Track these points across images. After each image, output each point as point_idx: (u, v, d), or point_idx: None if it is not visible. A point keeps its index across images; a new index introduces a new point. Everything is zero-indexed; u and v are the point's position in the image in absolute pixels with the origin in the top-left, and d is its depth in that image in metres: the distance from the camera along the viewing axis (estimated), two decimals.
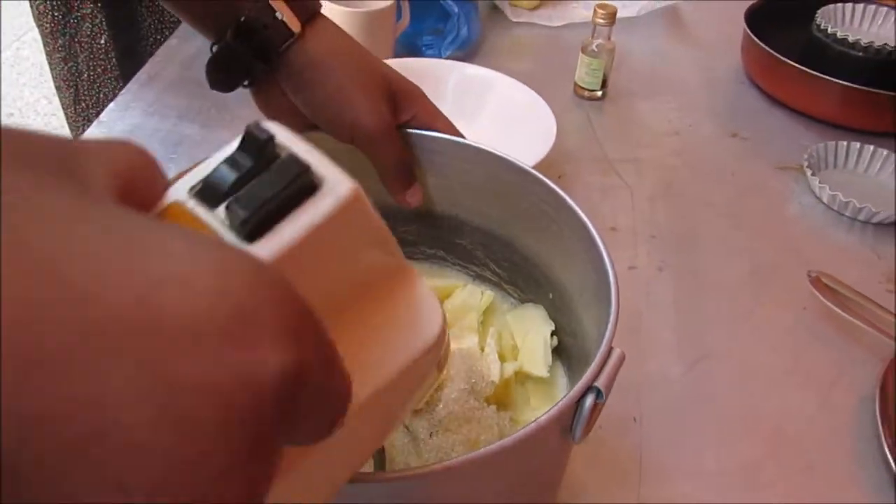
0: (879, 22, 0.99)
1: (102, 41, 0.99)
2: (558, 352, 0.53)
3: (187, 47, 0.96)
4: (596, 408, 0.36)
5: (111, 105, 0.85)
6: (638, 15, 1.10)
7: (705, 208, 0.80)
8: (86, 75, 1.01)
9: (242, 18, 0.51)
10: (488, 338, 0.53)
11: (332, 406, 0.17)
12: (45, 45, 1.02)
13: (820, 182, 0.80)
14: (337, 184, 0.22)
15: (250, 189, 0.20)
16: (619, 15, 0.90)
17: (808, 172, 0.81)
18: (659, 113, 0.94)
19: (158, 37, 1.02)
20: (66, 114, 1.07)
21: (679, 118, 0.93)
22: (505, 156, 0.50)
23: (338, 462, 0.26)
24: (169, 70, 0.92)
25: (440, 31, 0.98)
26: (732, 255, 0.74)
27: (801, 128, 0.92)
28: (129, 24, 1.01)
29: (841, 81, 0.87)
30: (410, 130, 0.53)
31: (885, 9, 0.98)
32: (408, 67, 0.84)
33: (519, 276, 0.56)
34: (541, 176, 0.48)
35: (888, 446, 0.55)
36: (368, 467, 0.42)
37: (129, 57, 1.01)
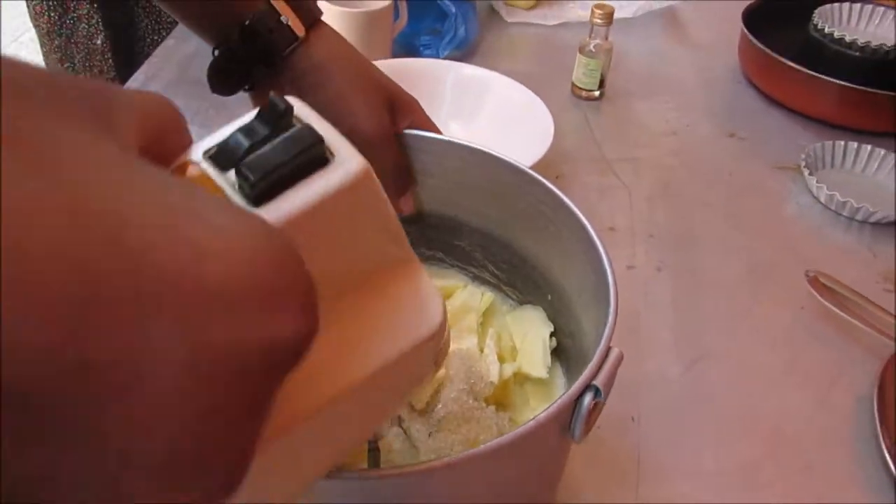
0: (877, 21, 0.99)
1: (99, 42, 0.99)
2: (557, 353, 0.53)
3: (185, 48, 0.96)
4: (595, 407, 0.36)
5: None
6: (635, 16, 1.11)
7: (703, 208, 0.80)
8: (82, 76, 1.01)
9: (247, 22, 0.51)
10: (487, 339, 0.53)
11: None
12: (42, 45, 1.02)
13: (817, 182, 0.80)
14: (349, 159, 0.22)
15: (261, 154, 0.21)
16: (615, 15, 0.90)
17: (806, 172, 0.81)
18: (656, 113, 0.94)
19: (155, 37, 1.02)
20: None
21: (677, 118, 0.93)
22: (502, 156, 0.50)
23: (328, 445, 0.26)
24: (166, 71, 0.92)
25: (438, 31, 0.98)
26: (730, 255, 0.74)
27: (799, 127, 0.92)
28: (125, 24, 1.00)
29: (838, 81, 0.87)
30: (409, 132, 0.53)
31: (882, 8, 0.98)
32: (405, 68, 0.84)
33: (518, 278, 0.56)
34: (538, 176, 0.48)
35: (886, 446, 0.55)
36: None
37: (126, 58, 1.01)
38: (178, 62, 0.93)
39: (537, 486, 0.43)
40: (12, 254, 0.12)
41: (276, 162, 0.20)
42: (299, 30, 0.52)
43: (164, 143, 0.20)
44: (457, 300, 0.56)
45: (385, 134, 0.52)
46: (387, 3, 0.89)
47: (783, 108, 0.95)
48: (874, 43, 0.91)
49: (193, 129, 0.22)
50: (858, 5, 0.99)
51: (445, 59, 0.92)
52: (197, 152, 0.21)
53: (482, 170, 0.51)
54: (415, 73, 0.84)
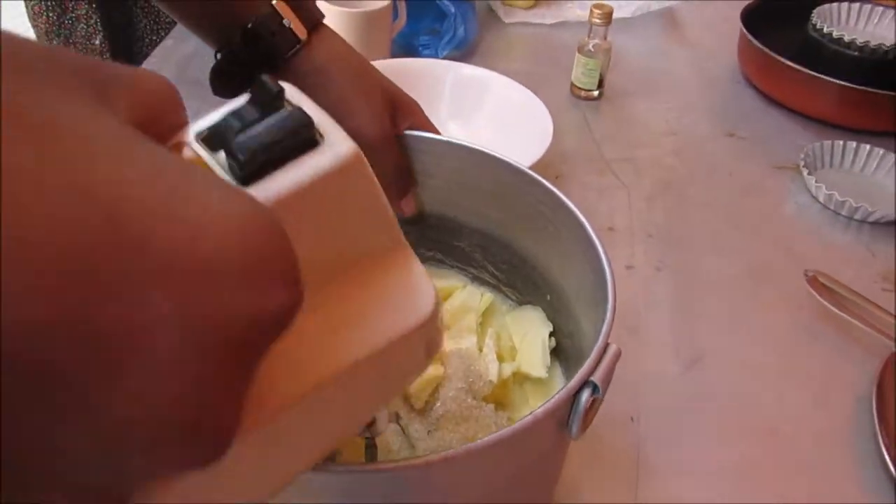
0: (875, 21, 0.99)
1: (97, 42, 0.99)
2: (556, 353, 0.53)
3: (183, 48, 0.96)
4: (593, 403, 0.36)
5: None
6: (633, 16, 1.11)
7: (702, 208, 0.80)
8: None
9: (250, 25, 0.51)
10: (486, 338, 0.53)
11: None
12: None
13: (816, 181, 0.80)
14: (339, 142, 0.22)
15: (251, 134, 0.21)
16: (614, 15, 0.90)
17: (805, 172, 0.81)
18: (656, 113, 0.94)
19: (154, 37, 1.02)
20: None
21: (676, 118, 0.93)
22: (501, 156, 0.50)
23: (316, 433, 0.26)
24: (165, 71, 0.92)
25: (437, 31, 0.98)
26: (729, 255, 0.74)
27: (798, 127, 0.92)
28: (124, 24, 1.00)
29: (837, 81, 0.87)
30: (409, 133, 0.53)
31: (881, 8, 0.98)
32: (404, 68, 0.84)
33: (517, 278, 0.56)
34: (537, 176, 0.48)
35: (885, 445, 0.55)
36: None
37: (125, 58, 1.01)
38: (176, 62, 0.93)
39: (535, 484, 0.43)
40: (14, 229, 0.13)
41: (265, 142, 0.21)
42: (301, 32, 0.52)
43: (160, 120, 0.20)
44: (456, 300, 0.56)
45: (386, 136, 0.52)
46: (386, 3, 0.89)
47: (782, 107, 0.95)
48: (873, 43, 0.91)
49: None
50: (857, 5, 0.99)
51: (444, 59, 0.92)
52: (190, 134, 0.22)
53: (481, 170, 0.51)
54: (414, 74, 0.84)
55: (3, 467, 0.14)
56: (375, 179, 0.24)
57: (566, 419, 0.36)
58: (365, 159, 0.23)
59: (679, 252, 0.74)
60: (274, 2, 0.51)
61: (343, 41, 0.56)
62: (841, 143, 0.85)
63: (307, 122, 0.21)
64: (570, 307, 0.49)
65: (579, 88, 0.94)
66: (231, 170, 0.21)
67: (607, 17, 0.89)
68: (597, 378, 0.35)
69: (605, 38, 0.91)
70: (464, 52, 0.98)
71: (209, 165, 0.21)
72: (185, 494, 0.22)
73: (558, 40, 1.06)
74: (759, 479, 0.55)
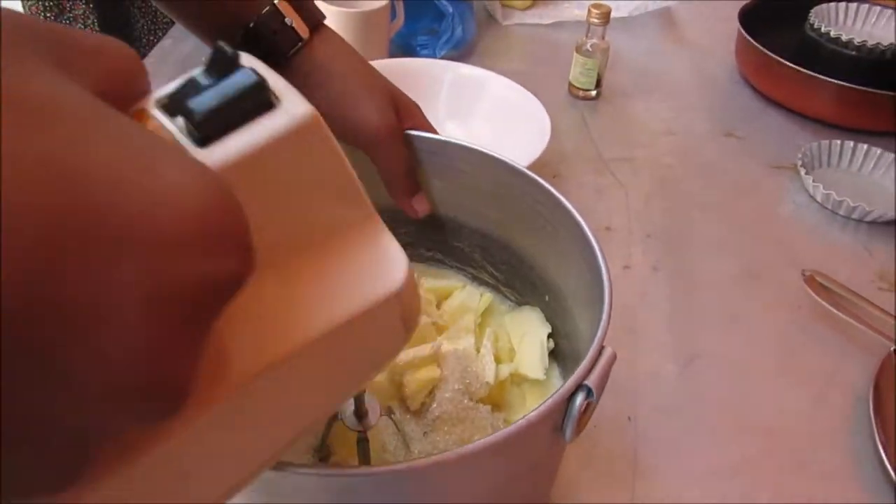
0: (873, 21, 0.99)
1: None
2: (555, 355, 0.53)
3: (182, 48, 0.95)
4: (588, 407, 0.36)
5: None
6: (631, 15, 1.11)
7: (700, 207, 0.80)
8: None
9: (251, 24, 0.51)
10: (484, 339, 0.52)
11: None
12: None
13: (814, 181, 0.80)
14: (295, 105, 0.22)
15: (205, 96, 0.21)
16: (612, 15, 0.90)
17: (802, 171, 0.81)
18: (653, 112, 0.94)
19: (152, 38, 1.02)
20: None
21: (673, 118, 0.94)
22: (499, 156, 0.50)
23: (287, 411, 0.26)
24: (163, 71, 0.92)
25: (435, 31, 0.98)
26: (727, 254, 0.74)
27: (795, 127, 0.93)
28: (121, 25, 1.00)
29: (834, 80, 0.87)
30: (408, 132, 0.53)
31: (879, 8, 0.99)
32: (402, 68, 0.84)
33: (516, 279, 0.56)
34: (535, 176, 0.48)
35: (882, 444, 0.55)
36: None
37: None
38: (175, 62, 0.93)
39: (531, 487, 0.43)
40: None
41: (218, 104, 0.21)
42: (303, 31, 0.52)
43: (123, 89, 0.21)
44: (455, 300, 0.56)
45: (392, 130, 0.51)
46: (383, 2, 0.89)
47: (780, 107, 0.95)
48: (870, 42, 0.91)
49: None
50: (854, 5, 0.99)
51: (442, 59, 0.92)
52: (151, 100, 0.22)
53: (480, 170, 0.51)
54: (412, 73, 0.84)
55: None
56: (337, 145, 0.24)
57: (560, 423, 0.36)
58: (324, 123, 0.23)
59: (676, 252, 0.74)
60: (276, 1, 0.51)
61: (344, 41, 0.56)
62: (838, 142, 0.85)
63: (260, 83, 0.21)
64: (568, 308, 0.49)
65: (577, 88, 0.94)
66: (190, 133, 0.21)
67: (605, 16, 0.89)
68: (591, 382, 0.35)
69: (603, 38, 0.91)
70: (462, 51, 0.98)
71: (168, 131, 0.21)
72: (150, 489, 0.22)
73: (556, 40, 1.06)
74: (756, 478, 0.55)
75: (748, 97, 0.98)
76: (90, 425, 0.17)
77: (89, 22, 0.98)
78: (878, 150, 0.84)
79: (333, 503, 0.34)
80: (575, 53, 0.92)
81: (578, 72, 0.93)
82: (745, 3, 1.01)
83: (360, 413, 0.40)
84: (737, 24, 0.98)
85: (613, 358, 0.37)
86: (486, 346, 0.52)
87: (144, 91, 0.22)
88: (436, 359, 0.49)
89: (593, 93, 0.94)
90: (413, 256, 0.59)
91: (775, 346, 0.66)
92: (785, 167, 0.86)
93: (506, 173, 0.50)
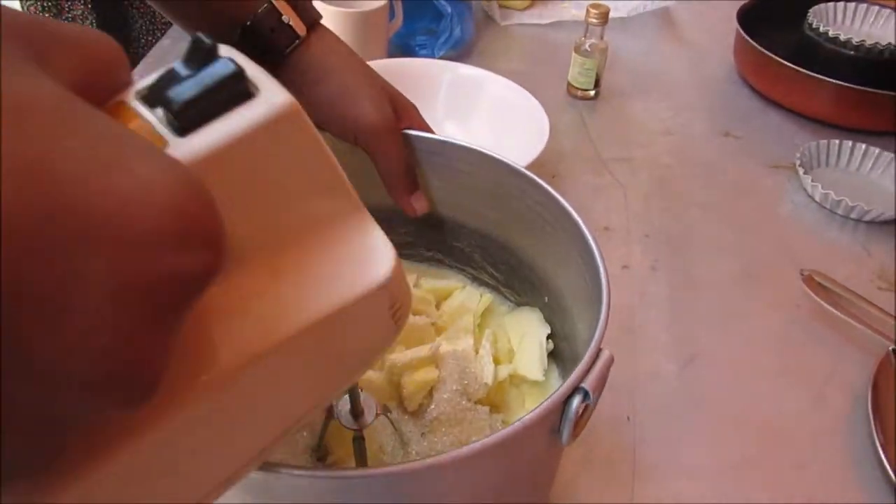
0: (871, 20, 0.99)
1: None
2: (554, 356, 0.53)
3: (180, 48, 0.95)
4: (585, 410, 0.35)
5: None
6: (629, 16, 1.11)
7: (698, 207, 0.80)
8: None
9: (249, 22, 0.51)
10: (483, 340, 0.52)
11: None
12: None
13: (812, 181, 0.80)
14: (273, 95, 0.22)
15: (183, 86, 0.21)
16: (610, 15, 0.90)
17: (801, 171, 0.81)
18: (652, 112, 0.94)
19: (150, 38, 1.02)
20: None
21: (672, 117, 0.94)
22: (498, 156, 0.50)
23: (276, 402, 0.26)
24: None
25: (433, 31, 0.98)
26: (725, 254, 0.74)
27: (794, 126, 0.93)
28: (120, 25, 1.00)
29: (833, 80, 0.87)
30: (407, 132, 0.53)
31: (877, 7, 0.99)
32: (401, 68, 0.84)
33: (515, 279, 0.56)
34: (534, 176, 0.48)
35: (881, 444, 0.55)
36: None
37: None
38: (172, 62, 0.93)
39: (529, 487, 0.43)
40: None
41: (196, 93, 0.21)
42: (301, 29, 0.52)
43: (103, 80, 0.21)
44: (455, 301, 0.56)
45: (390, 126, 0.51)
46: (382, 3, 0.89)
47: (778, 107, 0.95)
48: (868, 42, 0.91)
49: None
50: (853, 4, 0.99)
51: (441, 59, 0.92)
52: (131, 92, 0.22)
53: (478, 170, 0.51)
54: (410, 74, 0.84)
55: None
56: (318, 135, 0.24)
57: (557, 426, 0.36)
58: (304, 113, 0.23)
59: (675, 251, 0.74)
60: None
61: (341, 40, 0.56)
62: (837, 142, 0.85)
63: (237, 72, 0.22)
64: (567, 309, 0.49)
65: (576, 88, 0.94)
66: (169, 124, 0.21)
67: (604, 16, 0.89)
68: (588, 384, 0.35)
69: (602, 38, 0.91)
70: (460, 52, 0.98)
71: (147, 121, 0.21)
72: (136, 482, 0.22)
73: (555, 40, 1.06)
74: (755, 478, 0.55)
75: (747, 97, 0.98)
76: (61, 413, 0.17)
77: (88, 23, 0.97)
78: (877, 150, 0.84)
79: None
80: (573, 53, 0.92)
81: (577, 72, 0.93)
82: (743, 2, 1.01)
83: (356, 411, 0.40)
84: (735, 24, 0.98)
85: (611, 360, 0.37)
86: (484, 346, 0.51)
87: (126, 83, 0.22)
88: (434, 360, 0.49)
89: (592, 93, 0.94)
90: (413, 256, 0.59)
91: (774, 345, 0.66)
92: (783, 167, 0.86)
93: (504, 173, 0.50)
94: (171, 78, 0.22)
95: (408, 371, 0.47)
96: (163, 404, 0.21)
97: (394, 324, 0.28)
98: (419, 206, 0.54)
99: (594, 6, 0.89)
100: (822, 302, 0.66)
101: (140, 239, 0.16)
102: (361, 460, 0.41)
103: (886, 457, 0.54)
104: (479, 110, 0.85)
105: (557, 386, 0.50)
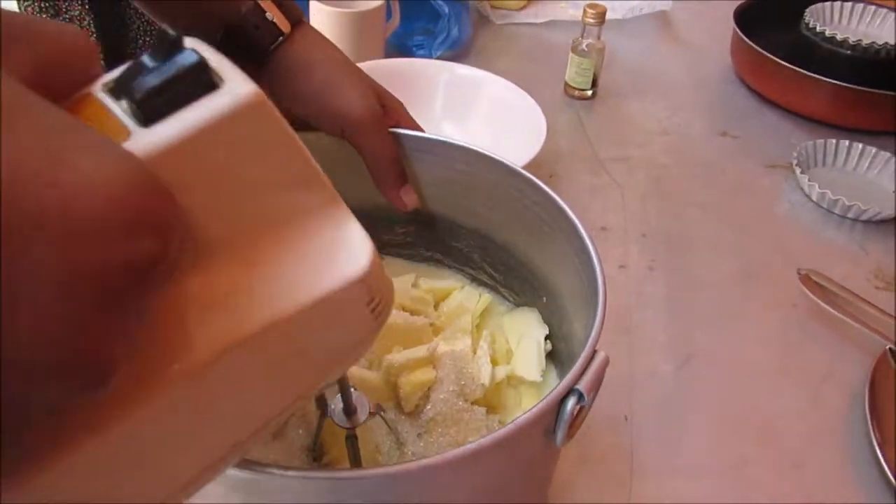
0: (868, 20, 0.99)
1: None
2: (552, 356, 0.53)
3: None
4: (579, 412, 0.35)
5: None
6: (624, 18, 1.11)
7: (695, 207, 0.80)
8: None
9: (233, 19, 0.51)
10: (481, 340, 0.52)
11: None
12: None
13: (809, 180, 0.80)
14: (238, 86, 0.22)
15: (147, 77, 0.21)
16: (606, 16, 0.90)
17: (798, 171, 0.82)
18: (649, 112, 0.94)
19: (147, 38, 1.02)
20: None
21: (669, 117, 0.94)
22: (495, 156, 0.50)
23: (251, 397, 0.25)
24: None
25: (431, 31, 0.98)
26: (722, 254, 0.74)
27: (791, 126, 0.93)
28: (117, 26, 1.00)
29: (829, 80, 0.88)
30: (406, 132, 0.53)
31: (874, 7, 0.99)
32: (398, 68, 0.84)
33: (514, 279, 0.56)
34: (531, 176, 0.48)
35: (878, 443, 0.55)
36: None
37: (118, 59, 1.00)
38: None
39: (526, 488, 0.43)
40: None
41: (158, 83, 0.21)
42: (284, 26, 0.52)
43: (67, 73, 0.21)
44: (453, 301, 0.56)
45: (377, 116, 0.51)
46: (379, 3, 0.89)
47: (775, 106, 0.95)
48: (865, 42, 0.91)
49: None
50: (850, 4, 0.99)
51: (438, 59, 0.92)
52: (98, 84, 0.22)
53: (476, 170, 0.51)
54: (408, 74, 0.84)
55: None
56: (287, 127, 0.24)
57: (553, 426, 0.36)
58: (271, 104, 0.23)
59: (672, 251, 0.74)
60: None
61: (325, 37, 0.56)
62: (834, 141, 0.85)
63: (200, 62, 0.22)
64: (564, 309, 0.49)
65: (573, 88, 0.94)
66: (133, 115, 0.21)
67: (601, 16, 0.89)
68: (582, 386, 0.35)
69: (599, 38, 0.91)
70: (458, 52, 0.98)
71: (112, 113, 0.21)
72: (105, 474, 0.22)
73: (552, 40, 1.06)
74: (752, 477, 0.55)
75: (743, 97, 0.98)
76: (18, 401, 0.17)
77: (85, 23, 0.97)
78: (874, 149, 0.84)
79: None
80: (571, 53, 0.92)
81: (574, 72, 0.93)
82: (740, 2, 1.01)
83: (349, 410, 0.40)
84: (732, 24, 0.98)
85: (606, 362, 0.37)
86: (482, 347, 0.51)
87: (95, 75, 0.22)
88: (431, 360, 0.49)
89: (589, 93, 0.94)
90: (412, 256, 0.59)
91: (771, 344, 0.66)
92: (780, 166, 0.86)
93: (502, 173, 0.50)
94: (137, 69, 0.22)
95: (405, 371, 0.47)
96: (133, 392, 0.21)
97: (373, 319, 0.28)
98: (409, 199, 0.53)
99: (591, 6, 0.89)
100: (820, 301, 0.66)
101: (84, 229, 0.17)
102: (354, 460, 0.41)
103: (884, 456, 0.54)
104: (476, 110, 0.85)
105: (555, 387, 0.50)
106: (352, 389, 0.40)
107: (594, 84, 0.94)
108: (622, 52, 1.04)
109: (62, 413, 0.20)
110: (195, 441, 0.24)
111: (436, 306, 0.56)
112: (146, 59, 0.22)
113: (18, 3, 0.99)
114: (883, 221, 0.78)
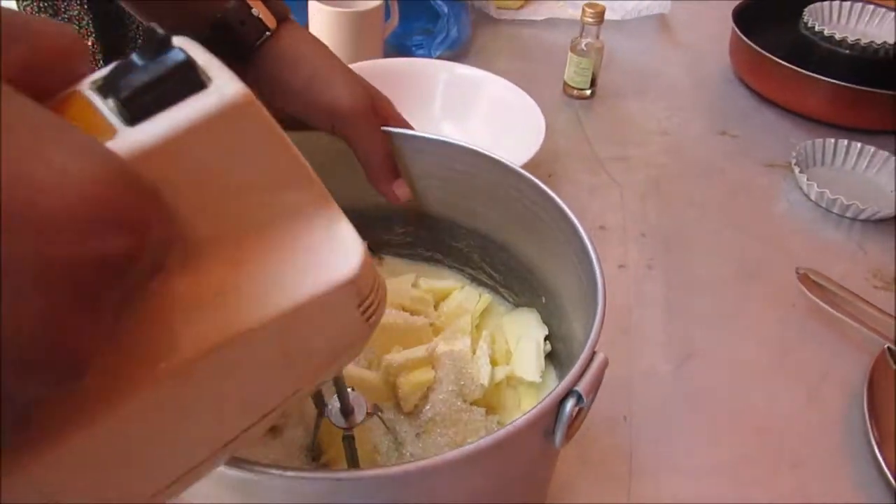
0: (866, 19, 0.99)
1: (89, 43, 0.98)
2: (551, 357, 0.53)
3: None
4: (579, 413, 0.35)
5: None
6: (623, 19, 1.11)
7: (694, 206, 0.80)
8: None
9: (219, 16, 0.51)
10: (481, 341, 0.52)
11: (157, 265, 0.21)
12: None
13: (808, 179, 0.80)
14: (226, 85, 0.22)
15: (133, 75, 0.21)
16: (605, 17, 0.90)
17: (797, 170, 0.82)
18: (648, 111, 0.94)
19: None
20: None
21: (668, 117, 0.94)
22: (494, 155, 0.50)
23: (238, 398, 0.25)
24: None
25: (430, 31, 0.98)
26: (721, 253, 0.74)
27: (790, 125, 0.93)
28: (116, 25, 1.00)
29: (828, 79, 0.88)
30: (405, 131, 0.53)
31: (872, 7, 0.99)
32: (397, 68, 0.85)
33: (513, 279, 0.56)
34: (530, 176, 0.48)
35: (876, 442, 0.55)
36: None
37: (117, 59, 1.00)
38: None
39: (526, 489, 0.43)
40: None
41: (145, 82, 0.21)
42: (271, 22, 0.52)
43: (53, 70, 0.22)
44: (453, 301, 0.56)
45: (366, 109, 0.51)
46: (378, 2, 0.89)
47: (774, 106, 0.95)
48: (864, 41, 0.91)
49: None
50: (848, 3, 1.00)
51: (438, 59, 0.92)
52: (86, 82, 0.22)
53: (476, 170, 0.51)
54: (407, 74, 0.84)
55: None
56: (276, 127, 0.24)
57: (552, 428, 0.36)
58: (259, 104, 0.23)
59: (671, 250, 0.74)
60: None
61: (311, 34, 0.56)
62: (832, 140, 0.85)
63: (186, 61, 0.22)
64: (564, 309, 0.49)
65: (572, 87, 0.94)
66: (120, 113, 0.21)
67: (600, 16, 0.89)
68: (581, 388, 0.35)
69: (598, 38, 0.91)
70: (457, 51, 0.98)
71: (99, 111, 0.21)
72: (90, 468, 0.22)
73: (551, 40, 1.06)
74: (751, 476, 0.55)
75: (742, 96, 0.98)
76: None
77: (84, 23, 0.97)
78: (872, 149, 0.84)
79: None
80: (570, 53, 0.92)
81: (573, 71, 0.93)
82: (739, 2, 1.01)
83: (346, 410, 0.40)
84: (731, 24, 0.98)
85: (605, 363, 0.37)
86: (481, 348, 0.51)
87: (83, 73, 0.22)
88: (430, 361, 0.49)
89: (588, 92, 0.94)
90: (412, 256, 0.59)
91: (770, 344, 0.66)
92: (779, 166, 0.86)
93: (501, 173, 0.50)
94: (126, 68, 0.22)
95: (404, 371, 0.47)
96: (119, 389, 0.21)
97: (365, 321, 0.27)
98: (401, 192, 0.53)
99: (590, 5, 0.89)
100: (818, 300, 0.66)
101: (57, 225, 0.17)
102: (351, 460, 0.41)
103: (882, 455, 0.54)
104: (475, 110, 0.85)
105: (554, 388, 0.50)
106: (350, 389, 0.40)
107: (593, 83, 0.94)
108: (621, 52, 1.04)
109: (41, 406, 0.20)
110: (181, 440, 0.24)
111: (435, 306, 0.56)
112: (135, 57, 0.22)
113: (17, 3, 0.99)
114: (881, 220, 0.78)
